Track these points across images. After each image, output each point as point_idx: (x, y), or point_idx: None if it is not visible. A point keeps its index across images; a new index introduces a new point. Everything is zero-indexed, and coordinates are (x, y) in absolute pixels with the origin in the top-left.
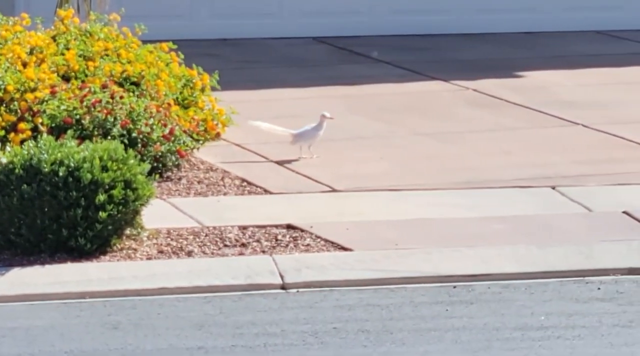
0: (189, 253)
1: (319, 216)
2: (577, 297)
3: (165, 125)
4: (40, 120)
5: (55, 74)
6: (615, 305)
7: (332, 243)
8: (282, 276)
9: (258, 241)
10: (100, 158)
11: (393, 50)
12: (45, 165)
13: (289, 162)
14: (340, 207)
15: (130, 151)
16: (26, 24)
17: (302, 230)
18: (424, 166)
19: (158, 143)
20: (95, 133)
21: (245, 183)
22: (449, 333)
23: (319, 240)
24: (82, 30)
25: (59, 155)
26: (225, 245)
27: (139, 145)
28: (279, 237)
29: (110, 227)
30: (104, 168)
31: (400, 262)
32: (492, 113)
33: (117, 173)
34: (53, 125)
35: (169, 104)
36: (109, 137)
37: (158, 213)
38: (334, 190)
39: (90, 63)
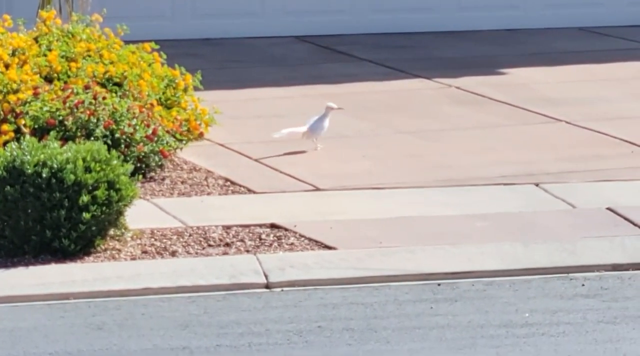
0: (173, 253)
1: (303, 215)
2: (561, 294)
3: (148, 126)
4: (23, 122)
5: (38, 75)
6: (599, 302)
7: (316, 242)
8: (266, 276)
9: (242, 240)
10: (84, 159)
11: (375, 49)
12: (28, 167)
13: (273, 161)
14: (324, 206)
15: (114, 152)
16: (8, 26)
17: (286, 229)
18: (407, 164)
19: (141, 144)
20: (78, 134)
21: (228, 183)
22: (433, 330)
23: (302, 239)
24: (64, 32)
25: (42, 156)
26: (209, 245)
27: (122, 145)
28: (263, 236)
29: (94, 228)
30: (87, 169)
31: (384, 260)
32: (475, 111)
33: (100, 174)
34: (36, 126)
35: (151, 104)
36: (92, 138)
37: (142, 213)
38: (317, 189)
39: (72, 64)
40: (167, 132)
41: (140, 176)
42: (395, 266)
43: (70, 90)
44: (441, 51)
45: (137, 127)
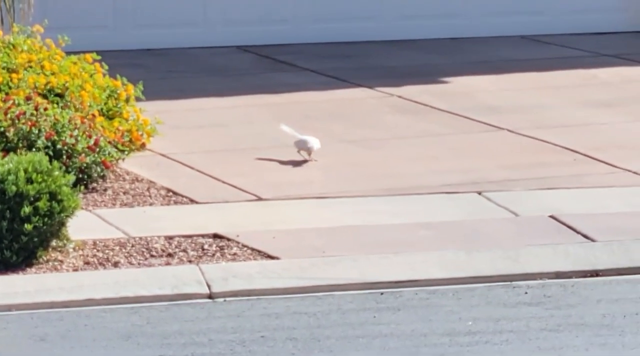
0: (116, 264)
1: (246, 225)
2: (504, 302)
3: (90, 136)
4: None
5: None
6: (542, 309)
7: (259, 251)
8: (209, 286)
9: (184, 251)
10: (25, 171)
11: (317, 58)
12: None
13: (215, 171)
14: (267, 216)
15: (55, 163)
16: None
17: (229, 239)
18: (349, 173)
19: (83, 155)
20: (20, 145)
21: (171, 193)
22: (376, 339)
23: (245, 249)
24: (5, 43)
25: None
26: (152, 256)
27: (64, 156)
28: (206, 247)
29: (35, 239)
30: (29, 181)
31: (327, 269)
32: (418, 120)
33: (42, 185)
34: None
35: (93, 115)
36: (34, 149)
37: (84, 224)
38: (260, 199)
39: (14, 75)
40: (109, 142)
41: (82, 187)
42: (338, 275)
43: (11, 102)
44: (383, 60)
45: (79, 138)
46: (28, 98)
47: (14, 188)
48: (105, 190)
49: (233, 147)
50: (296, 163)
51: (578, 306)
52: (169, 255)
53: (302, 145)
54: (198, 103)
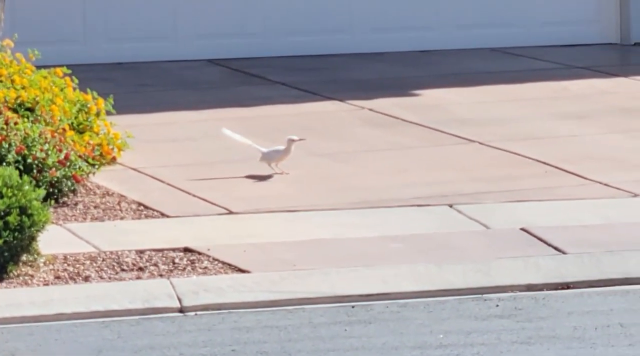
0: (86, 278)
1: (216, 238)
2: (475, 315)
3: (60, 151)
4: None
5: None
6: (513, 322)
7: (230, 265)
8: (180, 300)
9: (155, 265)
10: None
11: (288, 71)
12: None
13: (186, 184)
14: (238, 229)
15: (26, 177)
16: None
17: (200, 253)
18: (320, 186)
19: (53, 169)
20: None
21: (141, 207)
22: (348, 353)
23: (216, 262)
24: None
25: None
26: (123, 270)
27: (35, 171)
28: (177, 261)
29: (6, 254)
30: None
31: (298, 282)
32: (389, 133)
33: (12, 199)
34: None
35: (64, 129)
36: (4, 163)
37: (54, 239)
38: (230, 213)
39: None
40: (80, 156)
41: (53, 201)
42: (309, 288)
43: None
44: (354, 73)
45: (50, 152)
46: None
47: None
48: (75, 204)
49: (204, 160)
50: (267, 177)
51: (549, 318)
52: (140, 269)
53: (272, 157)
54: (169, 117)
